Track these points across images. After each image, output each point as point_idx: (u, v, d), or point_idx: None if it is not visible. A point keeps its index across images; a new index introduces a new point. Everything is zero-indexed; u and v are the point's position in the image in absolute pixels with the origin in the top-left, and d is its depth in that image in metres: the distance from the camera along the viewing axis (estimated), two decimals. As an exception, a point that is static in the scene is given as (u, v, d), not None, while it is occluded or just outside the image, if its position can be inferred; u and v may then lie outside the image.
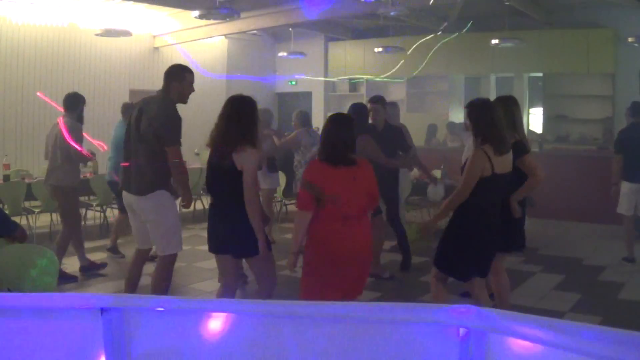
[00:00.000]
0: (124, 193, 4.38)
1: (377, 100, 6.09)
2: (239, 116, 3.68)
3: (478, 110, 3.75)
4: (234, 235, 3.69)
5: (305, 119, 7.30)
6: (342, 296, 3.50)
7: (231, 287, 3.92)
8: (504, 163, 3.73)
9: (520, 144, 4.13)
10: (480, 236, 3.75)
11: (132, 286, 4.56)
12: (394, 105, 7.15)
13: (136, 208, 4.30)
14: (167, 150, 4.09)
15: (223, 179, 3.69)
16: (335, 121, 3.65)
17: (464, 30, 10.72)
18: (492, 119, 3.69)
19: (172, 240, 4.26)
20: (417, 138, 10.41)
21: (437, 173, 8.44)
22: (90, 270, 6.03)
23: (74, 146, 5.63)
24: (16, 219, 5.90)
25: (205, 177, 3.89)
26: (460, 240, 3.79)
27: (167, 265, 4.32)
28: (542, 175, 4.13)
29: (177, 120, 4.13)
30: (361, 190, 3.56)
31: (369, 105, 6.04)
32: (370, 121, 5.95)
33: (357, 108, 5.82)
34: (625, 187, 6.48)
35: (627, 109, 6.73)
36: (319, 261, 3.56)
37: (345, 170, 3.51)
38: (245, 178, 3.60)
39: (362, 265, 3.66)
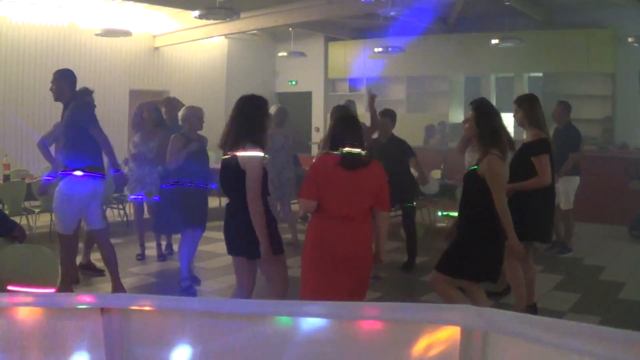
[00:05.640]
0: None
1: (387, 114, 6.18)
2: (243, 115, 3.65)
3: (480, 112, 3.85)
4: (243, 236, 3.65)
5: (283, 118, 7.18)
6: (343, 297, 3.46)
7: (245, 290, 3.83)
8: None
9: (548, 142, 4.46)
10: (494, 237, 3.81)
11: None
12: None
13: None
14: None
15: (231, 179, 3.66)
16: (340, 121, 3.71)
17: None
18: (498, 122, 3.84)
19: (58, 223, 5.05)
20: (417, 138, 10.45)
21: (437, 173, 8.45)
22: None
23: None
24: (16, 219, 5.89)
25: (219, 177, 3.83)
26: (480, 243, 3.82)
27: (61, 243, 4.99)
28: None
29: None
30: (365, 192, 3.53)
31: (379, 119, 6.12)
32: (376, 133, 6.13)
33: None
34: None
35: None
36: (316, 261, 3.55)
37: (348, 171, 3.51)
38: (247, 178, 3.55)
39: (361, 267, 3.61)
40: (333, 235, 3.49)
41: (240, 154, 3.57)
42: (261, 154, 3.62)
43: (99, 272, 5.93)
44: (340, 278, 3.50)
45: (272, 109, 7.26)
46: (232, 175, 3.62)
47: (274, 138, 6.87)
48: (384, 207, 3.64)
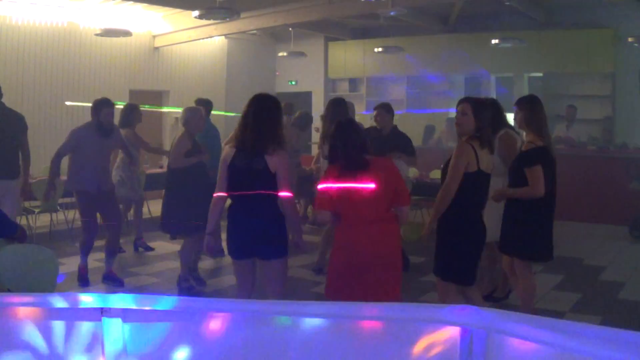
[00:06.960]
0: None
1: (380, 107, 6.24)
2: (262, 116, 3.58)
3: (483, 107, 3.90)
4: (265, 235, 3.61)
5: (307, 123, 7.18)
6: (368, 299, 3.43)
7: (247, 292, 3.79)
8: (489, 161, 3.84)
9: (546, 150, 4.16)
10: (473, 237, 3.83)
11: None
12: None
13: None
14: None
15: (252, 180, 3.59)
16: (337, 128, 3.71)
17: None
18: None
19: None
20: (417, 138, 10.42)
21: (437, 173, 8.44)
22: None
23: None
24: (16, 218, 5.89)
25: (228, 178, 3.70)
26: (461, 244, 3.84)
27: None
28: (539, 192, 4.11)
29: None
30: (373, 194, 3.50)
31: (374, 112, 6.21)
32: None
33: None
34: None
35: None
36: (340, 264, 3.60)
37: (350, 179, 3.53)
38: (280, 178, 3.56)
39: (388, 267, 3.59)
40: (356, 239, 3.53)
41: (269, 156, 3.53)
42: (287, 154, 3.66)
43: (120, 283, 5.69)
44: (366, 280, 3.52)
45: (296, 113, 7.33)
46: (255, 177, 3.57)
47: (299, 141, 6.91)
48: (401, 202, 3.60)
